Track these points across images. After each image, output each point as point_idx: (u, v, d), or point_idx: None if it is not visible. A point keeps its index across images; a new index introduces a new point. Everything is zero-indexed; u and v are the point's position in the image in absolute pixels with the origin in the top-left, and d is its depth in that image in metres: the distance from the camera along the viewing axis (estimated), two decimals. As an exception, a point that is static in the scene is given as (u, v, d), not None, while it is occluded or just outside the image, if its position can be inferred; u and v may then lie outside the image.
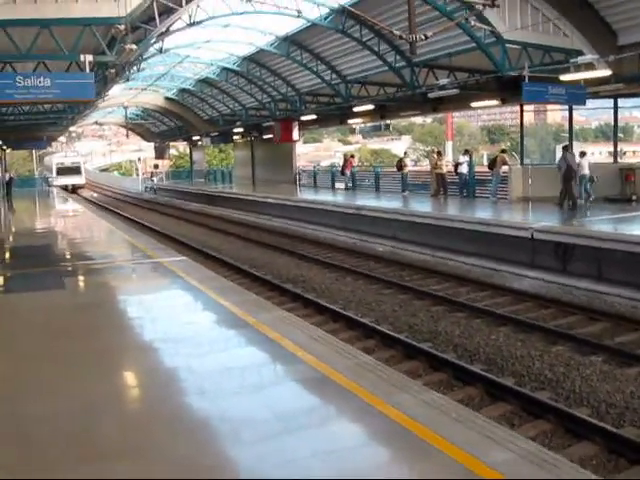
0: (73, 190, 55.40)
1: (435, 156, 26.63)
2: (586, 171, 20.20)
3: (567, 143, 23.30)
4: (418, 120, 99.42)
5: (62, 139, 62.39)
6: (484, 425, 4.35)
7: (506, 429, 4.48)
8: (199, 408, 4.99)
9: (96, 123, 57.64)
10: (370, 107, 29.54)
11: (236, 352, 6.62)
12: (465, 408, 4.78)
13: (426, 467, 3.89)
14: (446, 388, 8.07)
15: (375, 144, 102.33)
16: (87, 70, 14.72)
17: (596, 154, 56.41)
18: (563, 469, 3.80)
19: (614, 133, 26.29)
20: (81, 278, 10.96)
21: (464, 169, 24.43)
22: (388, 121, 35.80)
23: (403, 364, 9.00)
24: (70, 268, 11.93)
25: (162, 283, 10.52)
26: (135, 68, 28.48)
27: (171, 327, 7.48)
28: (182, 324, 7.57)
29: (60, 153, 68.42)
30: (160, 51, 26.31)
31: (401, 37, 14.68)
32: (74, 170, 57.92)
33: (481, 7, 16.28)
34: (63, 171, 57.61)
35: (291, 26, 25.99)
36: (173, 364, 6.16)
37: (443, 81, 23.01)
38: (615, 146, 25.62)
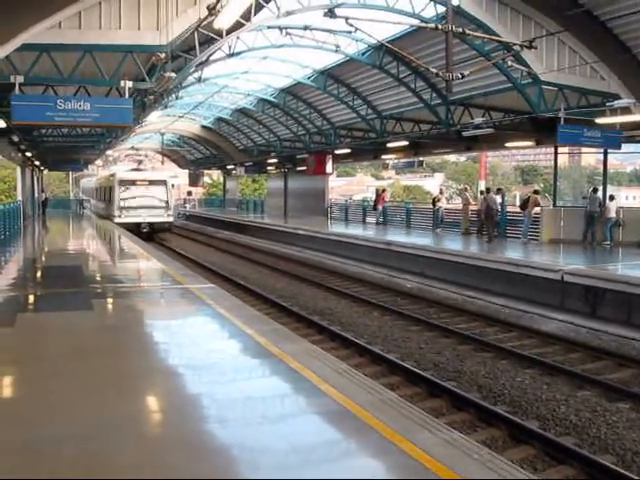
0: (150, 234, 32.21)
1: (468, 194, 26.60)
2: (612, 214, 20.32)
3: (595, 186, 23.30)
4: (452, 158, 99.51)
5: (99, 162, 62.77)
6: (506, 468, 4.29)
7: (528, 473, 4.41)
8: (219, 436, 4.98)
9: (132, 148, 58.40)
10: (404, 143, 29.67)
11: (259, 382, 6.61)
12: (486, 449, 4.72)
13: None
14: (469, 428, 7.98)
15: (408, 180, 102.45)
16: (126, 96, 15.00)
17: (630, 198, 55.89)
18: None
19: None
20: (109, 300, 11.06)
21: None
22: (421, 158, 35.91)
23: (426, 402, 8.92)
24: (99, 290, 12.06)
25: (189, 309, 10.58)
26: (173, 96, 29.01)
27: (195, 353, 7.50)
28: (207, 351, 7.59)
29: (121, 168, 45.61)
30: (199, 80, 26.78)
31: (437, 75, 14.75)
32: (154, 197, 33.74)
33: (519, 48, 16.35)
34: (131, 197, 33.62)
35: (329, 60, 26.34)
36: (195, 390, 6.17)
37: (478, 120, 23.07)
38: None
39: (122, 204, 33.12)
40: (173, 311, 10.60)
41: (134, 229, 29.95)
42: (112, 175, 36.08)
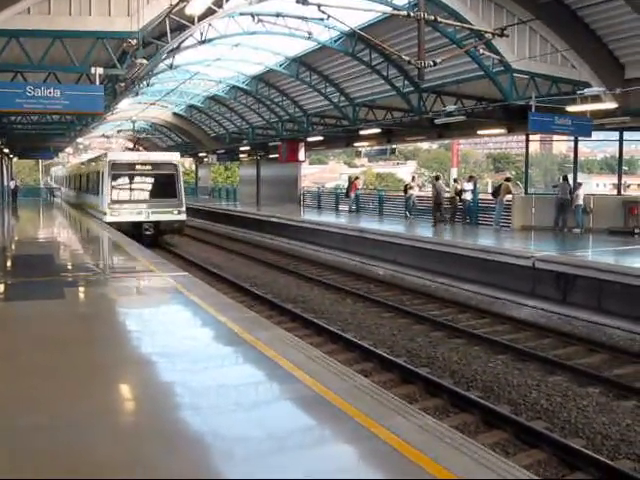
0: (154, 238, 24.84)
1: (441, 182, 26.76)
2: (580, 201, 20.73)
3: (565, 174, 23.66)
4: (424, 146, 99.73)
5: (69, 150, 61.97)
6: (478, 451, 4.33)
7: (499, 456, 4.46)
8: (193, 424, 4.96)
9: (103, 136, 57.75)
10: (377, 131, 29.70)
11: (233, 369, 6.60)
12: (459, 434, 4.76)
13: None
14: (442, 414, 8.05)
15: (380, 168, 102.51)
16: (97, 82, 14.83)
17: (600, 186, 56.50)
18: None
19: (619, 166, 26.36)
20: (81, 289, 10.96)
21: (468, 196, 24.48)
22: (394, 145, 35.95)
23: (400, 388, 8.98)
24: (70, 278, 11.93)
25: (162, 297, 10.52)
26: (145, 83, 28.70)
27: (169, 341, 7.46)
28: (180, 339, 7.55)
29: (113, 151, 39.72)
30: (170, 67, 26.56)
31: (410, 62, 14.76)
32: (160, 185, 25.63)
33: (490, 36, 16.41)
34: (128, 186, 25.68)
35: (301, 47, 26.25)
36: (169, 379, 6.14)
37: (450, 108, 23.15)
38: (619, 178, 25.72)
39: (115, 196, 24.50)
40: (146, 299, 10.54)
41: (132, 231, 22.09)
42: (101, 157, 27.90)
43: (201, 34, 20.61)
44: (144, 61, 15.33)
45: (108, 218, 24.00)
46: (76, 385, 5.83)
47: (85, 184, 32.74)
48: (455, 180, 29.02)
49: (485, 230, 22.57)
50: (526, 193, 25.06)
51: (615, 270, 13.50)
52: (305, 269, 20.00)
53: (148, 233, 24.32)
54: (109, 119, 41.77)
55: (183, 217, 25.33)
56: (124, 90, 20.88)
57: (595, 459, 6.57)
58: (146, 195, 25.30)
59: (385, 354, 10.48)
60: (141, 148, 32.63)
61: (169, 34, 15.93)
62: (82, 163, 39.57)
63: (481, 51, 18.09)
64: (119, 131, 52.17)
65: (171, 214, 24.85)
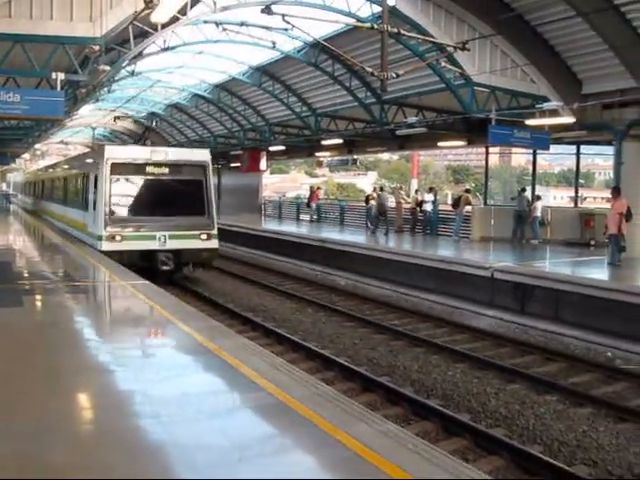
0: (172, 272, 17.44)
1: (402, 192, 27.10)
2: (538, 213, 21.20)
3: (523, 186, 24.14)
4: (385, 157, 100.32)
5: (26, 156, 60.97)
6: (440, 457, 4.39)
7: (460, 461, 4.52)
8: (153, 432, 4.91)
9: (62, 142, 56.93)
10: (338, 141, 29.86)
11: (194, 378, 6.57)
12: (422, 440, 4.81)
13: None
14: (403, 422, 8.10)
15: (341, 178, 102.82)
16: (58, 88, 14.65)
17: (558, 198, 57.46)
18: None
19: (575, 178, 26.91)
20: (39, 297, 10.79)
21: (428, 207, 24.73)
22: (355, 156, 36.19)
23: (361, 396, 9.02)
24: (28, 286, 11.74)
25: (122, 305, 10.42)
26: (106, 89, 28.45)
27: (130, 350, 7.40)
28: (141, 347, 7.50)
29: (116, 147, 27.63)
30: (132, 74, 26.39)
31: (372, 74, 14.87)
32: (183, 196, 18.31)
33: (452, 49, 16.64)
34: (135, 197, 17.90)
35: (264, 57, 26.29)
36: (129, 387, 6.09)
37: (412, 119, 23.39)
38: (576, 191, 26.23)
39: (116, 213, 17.05)
40: (106, 307, 10.44)
41: (140, 264, 15.93)
42: (93, 154, 21.91)
43: (164, 41, 20.57)
44: (107, 67, 15.23)
45: (105, 245, 16.39)
46: (34, 392, 5.75)
47: (62, 193, 24.50)
48: (416, 191, 29.36)
49: (445, 241, 22.81)
50: (485, 205, 25.41)
51: (571, 281, 13.77)
52: (266, 278, 19.97)
53: (166, 268, 16.64)
54: (68, 125, 41.26)
55: (215, 244, 17.76)
56: (85, 96, 20.69)
57: (552, 465, 6.68)
58: (162, 211, 17.38)
59: (346, 363, 10.52)
60: (148, 143, 22.42)
61: (132, 41, 15.85)
62: (56, 164, 31.47)
63: (443, 64, 18.34)
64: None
65: (198, 239, 17.37)
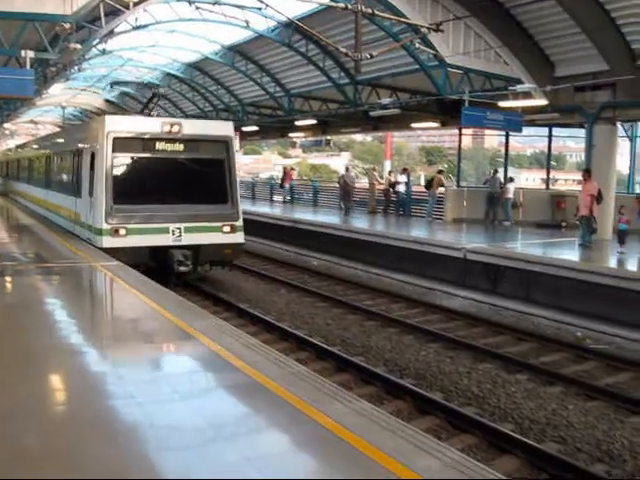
0: (184, 273, 14.24)
1: (375, 173, 27.13)
2: (511, 195, 21.37)
3: (495, 168, 24.33)
4: (358, 138, 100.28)
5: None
6: (412, 434, 4.44)
7: (433, 439, 4.58)
8: (127, 413, 4.90)
9: (32, 122, 56.05)
10: (312, 122, 29.75)
11: (169, 358, 6.57)
12: (395, 418, 4.86)
13: (354, 472, 3.96)
14: (377, 401, 8.16)
15: (315, 159, 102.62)
16: (27, 66, 14.39)
17: (530, 180, 57.92)
18: (486, 476, 3.93)
19: (547, 161, 27.13)
20: (8, 279, 10.66)
21: (402, 188, 24.80)
22: (329, 137, 36.10)
23: (335, 376, 9.07)
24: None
25: (96, 286, 10.36)
26: (76, 68, 28.03)
27: (102, 330, 7.38)
28: (113, 328, 7.47)
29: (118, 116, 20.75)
30: (103, 52, 26.00)
31: (346, 54, 14.84)
32: (201, 180, 15.17)
33: (426, 31, 16.63)
34: (143, 180, 14.62)
35: (237, 36, 26.05)
36: (101, 369, 6.07)
37: (385, 100, 23.37)
38: (548, 173, 26.45)
39: (119, 200, 13.95)
40: (78, 288, 10.36)
41: (149, 262, 13.67)
42: (91, 126, 17.54)
43: (136, 19, 20.30)
44: (77, 46, 14.98)
45: (106, 241, 13.51)
46: (6, 374, 5.70)
47: (44, 175, 21.46)
48: (389, 172, 29.43)
49: (418, 222, 22.92)
50: (458, 186, 25.54)
51: (542, 262, 13.93)
52: (239, 259, 19.91)
53: (183, 269, 13.87)
54: (38, 104, 40.61)
55: (240, 238, 15.02)
56: (55, 75, 20.37)
57: (523, 442, 6.80)
58: (176, 198, 14.48)
59: (320, 343, 10.57)
60: (154, 114, 16.89)
61: (103, 18, 15.60)
62: (38, 141, 28.41)
63: (417, 45, 18.32)
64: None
65: (219, 232, 14.57)
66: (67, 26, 13.95)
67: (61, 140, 20.64)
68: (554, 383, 9.06)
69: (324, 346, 10.36)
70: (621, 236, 15.32)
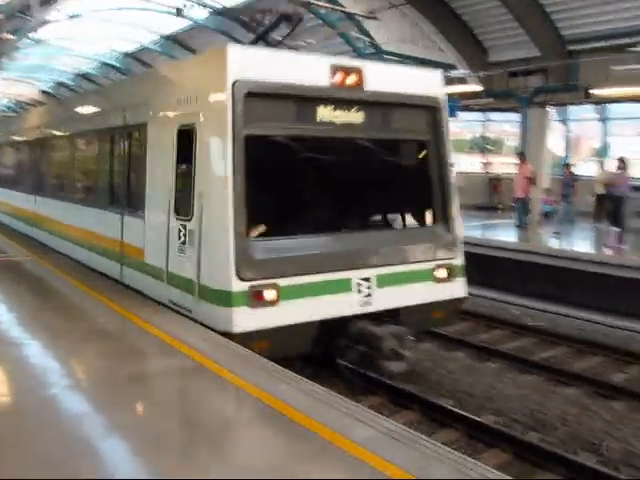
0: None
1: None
2: None
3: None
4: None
5: None
6: (353, 409, 4.63)
7: (373, 412, 4.76)
8: (73, 401, 4.92)
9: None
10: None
11: (111, 343, 6.57)
12: (338, 395, 5.03)
13: (297, 445, 4.14)
14: (324, 382, 8.28)
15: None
16: (-41, 57, 14.08)
17: (469, 164, 58.83)
18: (421, 442, 4.16)
19: (483, 145, 27.63)
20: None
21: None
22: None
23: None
24: None
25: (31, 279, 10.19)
26: (6, 58, 27.38)
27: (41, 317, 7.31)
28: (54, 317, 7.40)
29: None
30: (37, 42, 25.48)
31: (282, 42, 14.88)
32: (392, 177, 8.69)
33: (362, 18, 16.82)
34: (309, 188, 8.40)
35: (176, 26, 25.83)
36: (41, 361, 5.98)
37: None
38: (484, 157, 26.95)
39: (261, 235, 7.49)
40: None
41: (315, 347, 7.47)
42: (188, 68, 8.76)
43: (70, 8, 19.96)
44: (10, 36, 14.69)
45: (243, 318, 6.68)
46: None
47: (57, 174, 13.14)
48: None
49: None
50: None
51: (480, 243, 14.26)
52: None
53: (398, 367, 7.49)
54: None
55: (459, 288, 8.56)
56: (-13, 65, 19.88)
57: (462, 416, 7.06)
58: (354, 218, 9.03)
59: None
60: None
61: (35, 8, 15.31)
62: (41, 112, 17.16)
63: (353, 34, 18.49)
64: None
65: (430, 281, 8.27)
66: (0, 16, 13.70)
67: (94, 109, 11.37)
68: (490, 359, 9.36)
69: None
70: (546, 217, 15.69)
